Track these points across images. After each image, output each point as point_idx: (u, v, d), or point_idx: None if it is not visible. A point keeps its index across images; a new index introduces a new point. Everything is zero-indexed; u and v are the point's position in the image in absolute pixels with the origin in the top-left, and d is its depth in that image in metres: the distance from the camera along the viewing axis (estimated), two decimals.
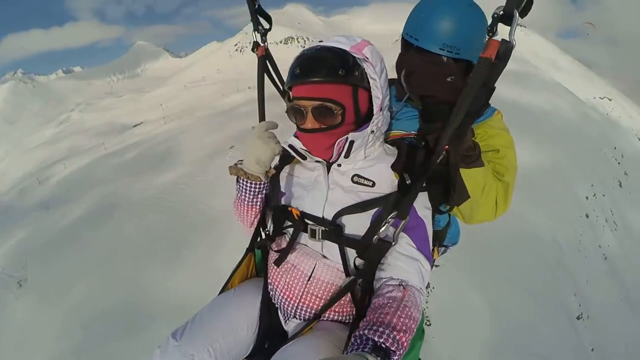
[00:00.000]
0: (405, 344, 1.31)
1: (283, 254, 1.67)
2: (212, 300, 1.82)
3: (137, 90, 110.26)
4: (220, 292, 1.89)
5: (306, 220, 1.63)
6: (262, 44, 1.93)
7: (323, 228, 1.58)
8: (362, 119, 1.58)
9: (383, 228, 1.52)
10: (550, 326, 11.28)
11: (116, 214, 13.21)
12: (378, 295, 1.47)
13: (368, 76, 1.56)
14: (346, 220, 1.59)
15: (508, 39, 1.28)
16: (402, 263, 1.53)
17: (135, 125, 49.79)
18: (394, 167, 1.62)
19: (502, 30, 1.52)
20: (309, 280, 1.64)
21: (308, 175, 1.71)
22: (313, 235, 1.60)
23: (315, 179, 1.68)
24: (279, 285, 1.68)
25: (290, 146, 1.66)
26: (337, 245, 1.60)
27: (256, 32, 1.89)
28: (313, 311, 1.65)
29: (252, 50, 1.91)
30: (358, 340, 1.29)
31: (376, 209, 1.57)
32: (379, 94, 1.57)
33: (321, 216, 1.61)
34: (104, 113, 74.60)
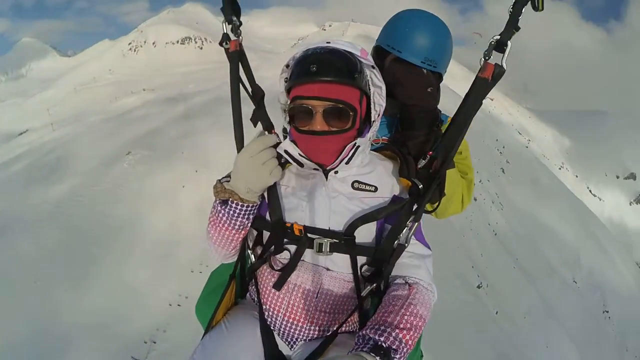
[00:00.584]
0: (409, 342, 1.30)
1: (284, 276, 1.54)
2: (201, 344, 1.61)
3: (22, 94, 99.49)
4: (206, 331, 1.69)
5: (309, 235, 1.53)
6: (235, 38, 1.67)
7: (331, 241, 1.51)
8: (363, 125, 1.57)
9: (404, 233, 1.53)
10: (455, 296, 12.32)
11: (8, 234, 11.90)
12: (385, 295, 1.47)
13: (372, 83, 1.55)
14: (357, 229, 1.54)
15: (501, 64, 1.43)
16: (410, 260, 1.55)
17: (21, 134, 46.07)
18: (402, 173, 1.62)
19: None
20: (316, 297, 1.57)
21: (303, 184, 1.62)
22: (320, 249, 1.51)
23: (313, 188, 1.59)
24: (280, 310, 1.58)
25: (286, 152, 1.55)
26: (344, 256, 1.54)
27: (227, 23, 1.64)
28: (323, 329, 1.60)
29: (221, 44, 1.64)
30: (360, 340, 1.28)
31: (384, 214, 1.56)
32: (382, 101, 1.58)
33: (327, 228, 1.54)
34: None
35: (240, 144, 1.65)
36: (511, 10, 1.41)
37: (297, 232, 1.52)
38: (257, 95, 1.76)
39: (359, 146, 1.52)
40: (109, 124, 23.26)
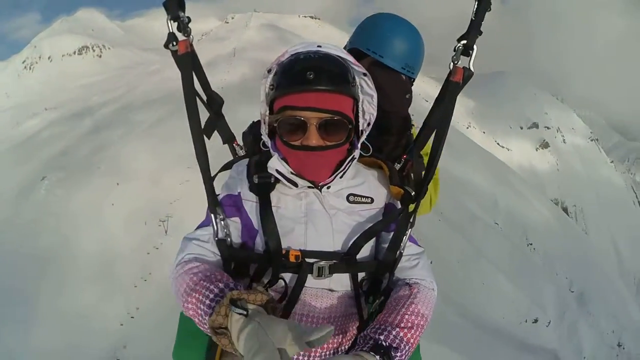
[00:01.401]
0: (411, 340, 1.28)
1: (288, 309, 1.35)
2: None
3: None
4: None
5: (307, 260, 1.40)
6: (184, 37, 1.41)
7: (330, 263, 1.41)
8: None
9: (404, 243, 1.49)
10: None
11: None
12: (389, 298, 1.45)
13: (362, 91, 1.45)
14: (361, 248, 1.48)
15: (469, 67, 1.46)
16: (408, 262, 1.52)
17: None
18: (394, 182, 1.56)
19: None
20: (321, 324, 1.44)
21: (295, 205, 1.46)
22: (320, 273, 1.40)
23: (309, 208, 1.46)
24: None
25: (278, 172, 1.43)
26: (346, 274, 1.46)
27: (172, 21, 1.38)
28: (334, 351, 1.46)
29: (167, 46, 1.39)
30: (361, 341, 1.27)
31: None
32: (372, 110, 1.48)
33: (332, 250, 1.43)
34: None
35: (204, 162, 1.45)
36: (474, 17, 1.43)
37: (292, 259, 1.38)
38: (215, 104, 1.61)
39: (355, 158, 1.46)
40: (16, 151, 21.66)
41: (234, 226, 1.49)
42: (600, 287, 27.05)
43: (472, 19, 1.44)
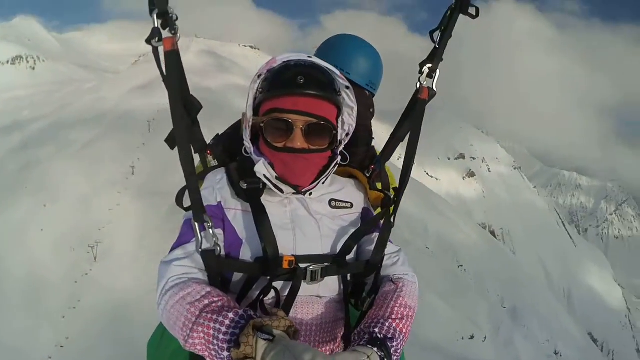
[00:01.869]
0: (403, 330, 1.31)
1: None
2: None
3: None
4: None
5: (300, 265, 1.37)
6: (169, 34, 1.28)
7: (322, 266, 1.40)
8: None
9: (390, 246, 1.54)
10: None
11: None
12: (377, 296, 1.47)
13: (344, 103, 1.48)
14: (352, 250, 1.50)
15: (433, 88, 1.61)
16: (389, 261, 1.54)
17: None
18: (372, 187, 1.65)
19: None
20: (318, 331, 1.45)
21: (281, 212, 1.44)
22: (313, 278, 1.38)
23: (295, 214, 1.45)
24: None
25: (265, 177, 1.40)
26: (334, 278, 1.46)
27: (157, 17, 1.25)
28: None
29: (149, 42, 1.24)
30: (356, 337, 1.27)
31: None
32: (352, 122, 1.52)
33: (321, 253, 1.43)
34: None
35: (190, 168, 1.35)
36: (437, 45, 1.58)
37: (286, 265, 1.34)
38: (193, 109, 1.52)
39: (338, 164, 1.49)
40: None
41: (220, 236, 1.41)
42: (531, 301, 28.73)
43: (435, 46, 1.58)
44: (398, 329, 1.29)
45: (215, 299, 1.21)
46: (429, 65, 1.58)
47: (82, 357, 8.05)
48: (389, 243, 1.56)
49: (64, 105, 29.08)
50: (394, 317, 1.31)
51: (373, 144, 2.15)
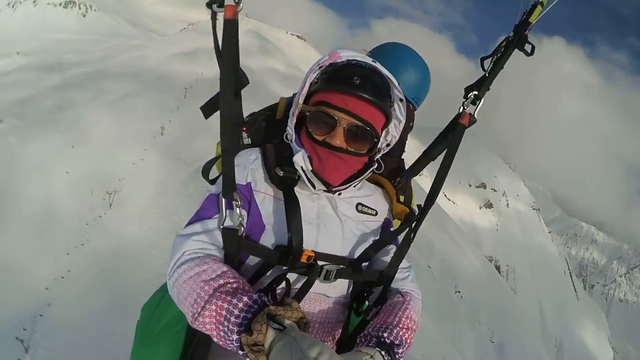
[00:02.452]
0: (408, 340, 1.34)
1: None
2: None
3: None
4: None
5: (318, 262, 1.41)
6: (232, 2, 1.27)
7: (338, 267, 1.44)
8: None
9: (404, 264, 1.59)
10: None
11: None
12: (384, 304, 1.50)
13: (394, 115, 1.49)
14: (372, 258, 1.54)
15: (474, 115, 1.63)
16: (400, 274, 1.59)
17: None
18: (399, 200, 1.69)
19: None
20: (322, 328, 1.51)
21: (309, 206, 1.46)
22: (327, 277, 1.42)
23: (322, 211, 1.49)
24: None
25: (302, 169, 1.42)
26: (344, 280, 1.51)
27: None
28: None
29: (210, 6, 1.24)
30: (363, 339, 1.31)
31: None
32: (396, 134, 1.53)
33: (339, 254, 1.47)
34: None
35: (229, 147, 1.32)
36: (487, 74, 1.61)
37: (304, 259, 1.36)
38: (241, 84, 1.49)
39: (373, 170, 1.51)
40: None
41: (244, 218, 1.39)
42: (520, 342, 28.31)
43: (485, 74, 1.62)
44: (404, 339, 1.32)
45: (231, 280, 1.22)
46: (475, 92, 1.62)
47: (77, 294, 8.35)
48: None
49: (107, 56, 29.66)
50: (401, 325, 1.35)
51: (403, 156, 2.18)
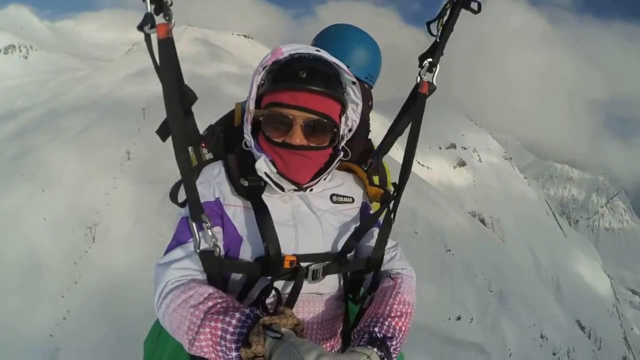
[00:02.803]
0: (402, 327, 1.31)
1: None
2: None
3: None
4: None
5: (301, 264, 1.37)
6: (163, 20, 1.17)
7: (324, 264, 1.40)
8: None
9: (390, 244, 1.55)
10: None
11: None
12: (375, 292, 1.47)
13: (349, 99, 1.46)
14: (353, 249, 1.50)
15: (433, 82, 1.57)
16: (387, 255, 1.54)
17: None
18: (372, 183, 1.63)
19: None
20: (319, 328, 1.47)
21: (282, 208, 1.42)
22: (315, 277, 1.38)
23: (296, 210, 1.44)
24: None
25: (266, 175, 1.37)
26: (335, 276, 1.47)
27: (150, 2, 1.12)
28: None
29: (141, 28, 1.11)
30: (356, 336, 1.27)
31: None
32: (356, 118, 1.50)
33: (323, 251, 1.43)
34: None
35: (186, 166, 1.28)
36: (438, 39, 1.54)
37: (287, 265, 1.33)
38: (188, 101, 1.41)
39: (340, 160, 1.47)
40: None
41: (218, 236, 1.37)
42: (518, 287, 29.23)
43: (436, 40, 1.55)
44: (397, 327, 1.29)
45: (219, 300, 1.21)
46: (430, 59, 1.55)
47: (80, 333, 8.45)
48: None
49: (57, 94, 29.08)
50: (392, 315, 1.31)
51: (370, 136, 2.13)
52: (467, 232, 31.05)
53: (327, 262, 1.39)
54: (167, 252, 1.34)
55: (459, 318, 18.33)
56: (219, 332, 1.12)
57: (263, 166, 1.34)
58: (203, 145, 1.59)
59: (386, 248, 1.54)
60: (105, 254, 10.50)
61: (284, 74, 1.29)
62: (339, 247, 1.45)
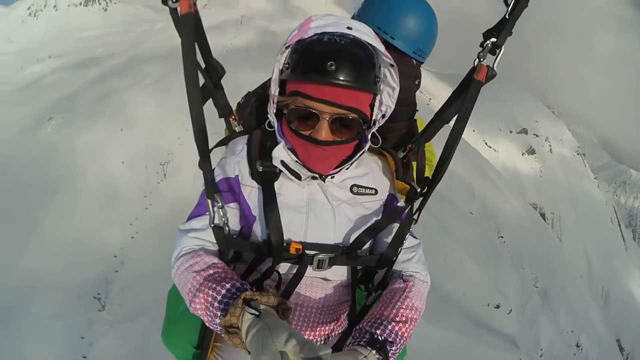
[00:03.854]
0: (405, 334, 1.30)
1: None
2: None
3: None
4: None
5: (307, 252, 1.40)
6: None
7: (331, 255, 1.41)
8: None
9: (408, 239, 1.49)
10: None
11: None
12: (384, 290, 1.46)
13: (385, 82, 1.39)
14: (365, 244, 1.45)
15: (493, 67, 1.37)
16: (404, 255, 1.52)
17: None
18: (399, 176, 1.54)
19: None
20: (319, 312, 1.49)
21: (298, 193, 1.44)
22: (320, 266, 1.41)
23: (311, 197, 1.44)
24: None
25: (282, 163, 1.39)
26: (344, 266, 1.47)
27: None
28: (325, 338, 1.54)
29: (165, 2, 1.14)
30: (357, 334, 1.29)
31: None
32: (391, 103, 1.42)
33: (332, 242, 1.44)
34: None
35: (202, 144, 1.31)
36: (508, 15, 1.32)
37: (293, 251, 1.37)
38: (215, 74, 1.49)
39: (364, 152, 1.42)
40: (21, 93, 21.74)
41: (232, 212, 1.46)
42: (565, 289, 28.08)
43: (505, 17, 1.33)
44: (400, 333, 1.29)
45: (220, 270, 1.32)
46: (493, 39, 1.36)
47: (144, 255, 9.23)
48: (408, 236, 1.52)
49: (136, 44, 30.58)
50: (397, 319, 1.31)
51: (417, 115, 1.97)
52: (524, 222, 30.02)
53: (335, 254, 1.41)
54: (188, 219, 1.49)
55: (497, 306, 18.08)
56: (210, 299, 1.25)
57: (282, 154, 1.37)
58: (233, 117, 1.67)
59: (405, 247, 1.52)
60: (174, 188, 11.40)
61: (311, 62, 1.23)
62: (351, 240, 1.46)
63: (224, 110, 1.63)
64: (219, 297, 1.24)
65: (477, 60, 1.37)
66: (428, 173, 1.84)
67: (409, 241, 1.53)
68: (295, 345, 1.01)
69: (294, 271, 1.43)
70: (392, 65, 1.34)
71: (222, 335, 1.19)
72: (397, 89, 1.39)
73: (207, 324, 1.30)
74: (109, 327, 7.25)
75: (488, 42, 1.36)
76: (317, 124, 1.29)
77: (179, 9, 1.15)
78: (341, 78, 1.19)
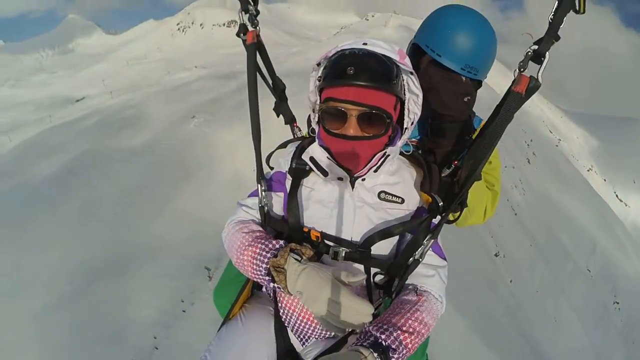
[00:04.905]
0: (409, 345, 1.30)
1: None
2: (217, 336, 1.67)
3: (72, 67, 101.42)
4: (223, 323, 1.72)
5: (327, 242, 1.49)
6: (252, 28, 1.59)
7: (346, 250, 1.47)
8: (395, 132, 1.52)
9: (419, 250, 1.48)
10: (475, 258, 13.61)
11: (87, 175, 13.12)
12: (396, 299, 1.47)
13: (408, 89, 1.47)
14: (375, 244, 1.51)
15: (537, 77, 1.27)
16: (423, 270, 1.51)
17: (78, 100, 47.89)
18: (424, 188, 1.57)
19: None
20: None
21: (328, 190, 1.54)
22: (335, 257, 1.47)
23: (339, 195, 1.53)
24: (296, 309, 1.58)
25: (312, 159, 1.53)
26: (361, 267, 1.53)
27: (243, 12, 1.56)
28: (330, 335, 1.63)
29: (238, 35, 1.58)
30: (362, 336, 1.31)
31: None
32: (417, 110, 1.50)
33: (349, 238, 1.50)
34: (40, 89, 69.17)
35: (257, 142, 1.64)
36: (552, 18, 1.22)
37: (313, 238, 1.49)
38: (278, 89, 1.82)
39: (388, 155, 1.48)
40: (169, 94, 24.20)
41: (278, 200, 1.63)
42: None
43: (549, 20, 1.22)
44: (404, 343, 1.28)
45: (265, 234, 1.54)
46: (536, 46, 1.24)
47: None
48: (433, 254, 1.54)
49: (274, 63, 32.97)
50: (404, 329, 1.31)
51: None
52: None
53: (350, 250, 1.46)
54: (248, 196, 1.71)
55: None
56: (258, 250, 1.44)
57: (316, 151, 1.53)
58: (295, 124, 2.00)
59: (429, 263, 1.52)
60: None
61: (335, 71, 1.37)
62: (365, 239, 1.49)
63: (287, 118, 1.99)
64: (266, 249, 1.45)
65: (516, 70, 1.29)
66: (491, 178, 1.95)
67: (433, 259, 1.54)
68: (341, 272, 1.30)
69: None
70: (412, 73, 1.45)
71: (265, 278, 1.41)
72: (420, 95, 1.47)
73: (250, 274, 1.48)
74: (210, 296, 8.01)
75: (529, 49, 1.25)
76: (346, 121, 1.39)
77: (246, 40, 1.58)
78: (360, 80, 1.33)
